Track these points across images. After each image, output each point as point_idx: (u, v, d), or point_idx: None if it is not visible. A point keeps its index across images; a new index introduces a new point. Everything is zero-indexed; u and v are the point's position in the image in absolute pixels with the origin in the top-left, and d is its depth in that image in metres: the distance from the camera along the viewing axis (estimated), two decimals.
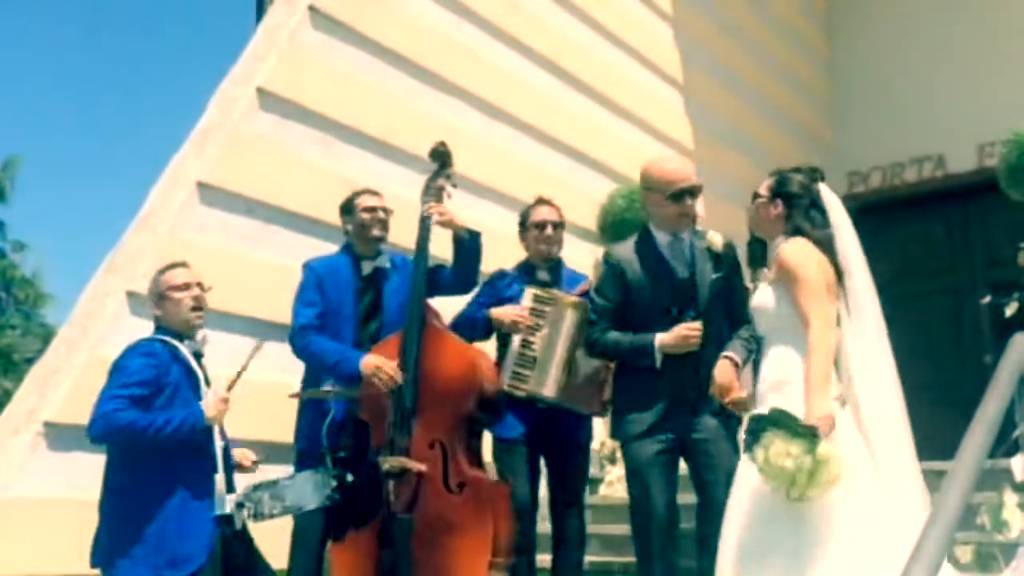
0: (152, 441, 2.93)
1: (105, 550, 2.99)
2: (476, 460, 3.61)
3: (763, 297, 2.95)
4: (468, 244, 3.71)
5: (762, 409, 2.75)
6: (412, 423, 3.46)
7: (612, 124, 6.61)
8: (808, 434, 2.53)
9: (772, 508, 2.67)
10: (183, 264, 3.29)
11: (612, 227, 6.04)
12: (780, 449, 2.52)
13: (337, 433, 3.54)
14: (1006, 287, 6.36)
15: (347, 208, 3.81)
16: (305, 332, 3.57)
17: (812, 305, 2.77)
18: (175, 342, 3.14)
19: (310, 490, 3.10)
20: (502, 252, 4.33)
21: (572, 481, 4.00)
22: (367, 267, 3.74)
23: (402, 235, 4.27)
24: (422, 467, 3.41)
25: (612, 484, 5.64)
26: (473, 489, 3.47)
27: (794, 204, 2.96)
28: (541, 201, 4.10)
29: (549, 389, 3.71)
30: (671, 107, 7.22)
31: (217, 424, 3.07)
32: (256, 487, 3.08)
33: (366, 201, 3.77)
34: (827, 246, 2.89)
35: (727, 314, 3.28)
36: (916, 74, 8.59)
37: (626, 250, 3.39)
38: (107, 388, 3.01)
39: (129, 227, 4.15)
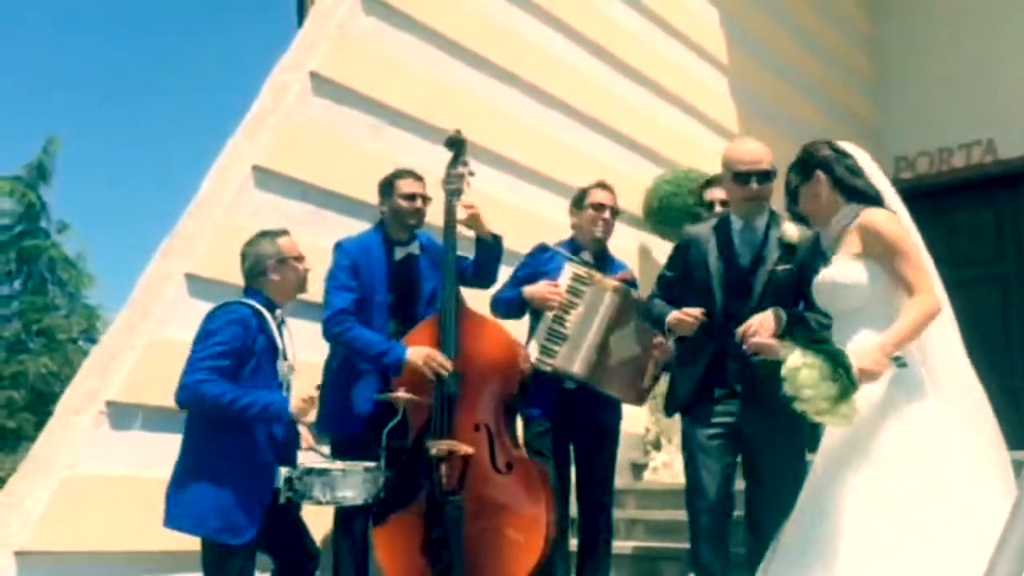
0: (233, 416, 3.02)
1: (175, 509, 3.07)
2: (516, 441, 3.66)
3: (850, 272, 2.73)
4: (490, 245, 3.76)
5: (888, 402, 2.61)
6: (456, 407, 3.51)
7: (658, 108, 6.57)
8: (847, 384, 2.48)
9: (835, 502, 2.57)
10: (287, 233, 3.36)
11: (658, 212, 6.02)
12: (814, 375, 2.48)
13: (372, 424, 3.56)
14: None
15: (386, 189, 3.81)
16: (343, 318, 3.58)
17: (920, 276, 2.64)
18: (265, 312, 3.19)
19: (360, 484, 3.11)
20: (546, 236, 4.35)
21: (600, 467, 4.00)
22: (400, 253, 3.76)
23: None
24: (470, 450, 3.45)
25: (657, 470, 5.65)
26: (521, 469, 3.52)
27: (832, 165, 2.84)
28: (602, 185, 4.11)
29: (578, 367, 3.72)
30: (717, 91, 7.16)
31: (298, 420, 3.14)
32: (308, 471, 3.11)
33: (406, 187, 3.78)
34: (876, 195, 2.78)
35: (799, 307, 3.21)
36: (964, 57, 8.43)
37: (702, 229, 3.38)
38: (195, 354, 3.10)
39: (185, 211, 4.21)
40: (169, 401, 3.65)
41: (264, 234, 3.35)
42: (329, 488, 3.03)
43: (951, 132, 8.42)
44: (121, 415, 3.67)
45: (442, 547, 3.42)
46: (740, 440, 3.20)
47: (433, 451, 3.43)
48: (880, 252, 2.70)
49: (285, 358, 3.23)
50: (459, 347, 3.53)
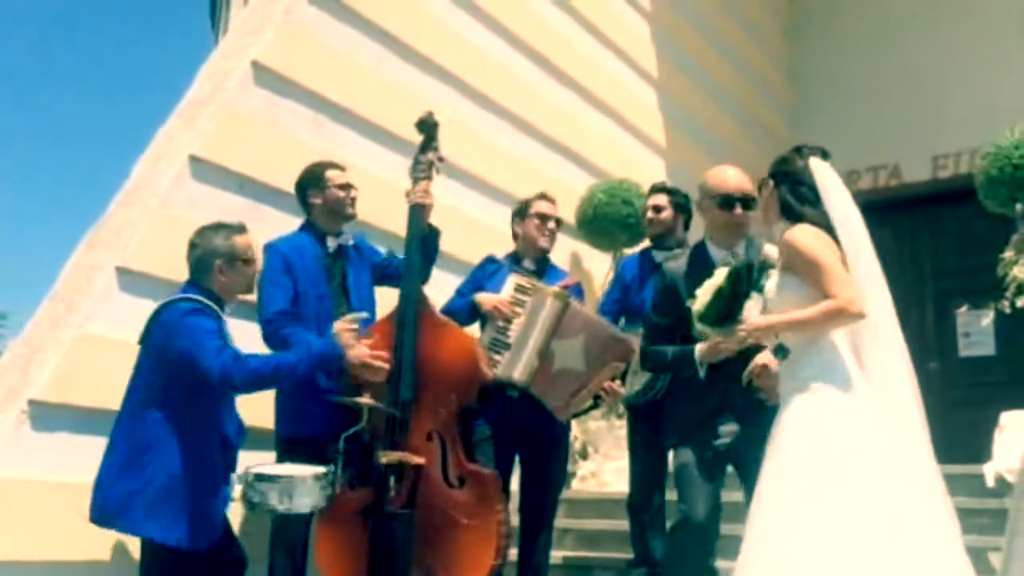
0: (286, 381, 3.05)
1: (134, 513, 2.87)
2: (471, 453, 3.57)
3: (772, 285, 2.90)
4: (427, 238, 3.69)
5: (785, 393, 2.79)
6: (409, 414, 3.39)
7: (590, 117, 6.60)
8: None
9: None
10: (245, 230, 3.21)
11: (591, 221, 6.03)
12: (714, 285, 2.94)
13: (322, 427, 3.44)
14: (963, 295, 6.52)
15: (316, 182, 3.69)
16: (281, 320, 3.45)
17: (835, 286, 2.68)
18: (217, 308, 3.06)
19: (318, 492, 3.01)
20: (482, 239, 4.32)
21: (546, 478, 3.99)
22: (332, 243, 3.68)
23: (387, 217, 4.22)
24: (421, 460, 3.34)
25: (585, 479, 5.65)
26: (475, 483, 3.43)
27: (779, 182, 2.92)
28: (544, 196, 4.16)
29: (519, 372, 3.70)
30: (646, 103, 7.24)
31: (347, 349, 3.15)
32: (259, 477, 2.96)
33: (339, 177, 3.69)
34: (804, 220, 2.83)
35: None
36: (875, 84, 8.78)
37: (680, 265, 3.38)
38: (200, 341, 2.93)
39: (114, 200, 3.98)
40: (98, 401, 3.46)
41: (219, 227, 3.18)
42: (287, 496, 2.91)
43: (860, 155, 8.73)
44: (45, 415, 3.41)
45: (390, 562, 3.30)
46: (731, 459, 3.20)
47: (383, 460, 3.31)
48: (801, 267, 2.78)
49: None
50: (417, 348, 3.42)
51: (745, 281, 2.92)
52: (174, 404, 2.89)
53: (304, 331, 3.43)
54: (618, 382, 3.90)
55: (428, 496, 3.35)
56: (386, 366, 3.35)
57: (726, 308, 2.94)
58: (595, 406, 4.02)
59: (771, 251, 3.23)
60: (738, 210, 3.26)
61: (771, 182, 2.96)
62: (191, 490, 2.86)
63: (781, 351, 2.87)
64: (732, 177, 3.33)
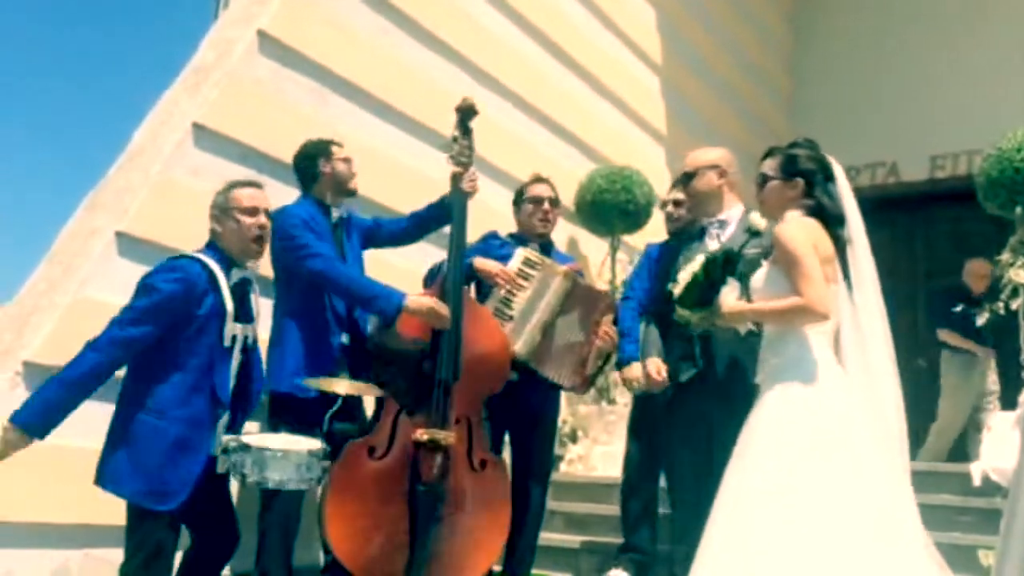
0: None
1: (103, 467, 2.85)
2: (486, 440, 3.60)
3: (760, 275, 2.94)
4: (449, 214, 3.67)
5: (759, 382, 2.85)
6: (445, 395, 3.34)
7: (594, 102, 6.58)
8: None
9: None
10: (256, 184, 3.13)
11: (590, 206, 6.02)
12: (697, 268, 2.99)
13: (316, 408, 3.40)
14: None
15: (324, 152, 3.69)
16: (328, 255, 3.44)
17: (803, 283, 2.74)
18: (217, 269, 2.96)
19: (293, 470, 2.84)
20: (483, 219, 4.29)
21: (537, 455, 4.01)
22: (335, 215, 3.69)
23: (386, 192, 4.20)
24: (452, 440, 3.31)
25: (573, 462, 5.66)
26: (493, 469, 3.47)
27: (814, 181, 2.90)
28: (539, 179, 4.15)
29: (520, 346, 3.71)
30: (650, 91, 7.23)
31: None
32: (241, 446, 2.88)
33: (341, 153, 3.72)
34: (839, 219, 2.85)
35: None
36: (875, 81, 8.80)
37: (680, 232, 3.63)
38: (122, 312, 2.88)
39: (115, 164, 3.95)
40: None
41: (230, 184, 3.14)
42: (260, 469, 2.77)
43: (859, 152, 8.73)
44: (40, 377, 3.37)
45: (408, 534, 3.24)
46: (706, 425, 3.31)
47: (420, 437, 3.25)
48: (783, 261, 2.82)
49: (239, 321, 2.99)
50: (459, 332, 3.41)
51: (720, 268, 2.97)
52: (141, 355, 2.85)
53: (349, 267, 3.50)
54: (612, 326, 3.91)
55: (455, 477, 3.32)
56: (446, 315, 3.34)
57: (701, 294, 2.99)
58: (606, 362, 4.01)
59: (755, 218, 3.30)
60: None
61: (799, 180, 2.92)
62: (152, 443, 2.78)
63: (753, 336, 2.96)
64: (688, 156, 3.69)
